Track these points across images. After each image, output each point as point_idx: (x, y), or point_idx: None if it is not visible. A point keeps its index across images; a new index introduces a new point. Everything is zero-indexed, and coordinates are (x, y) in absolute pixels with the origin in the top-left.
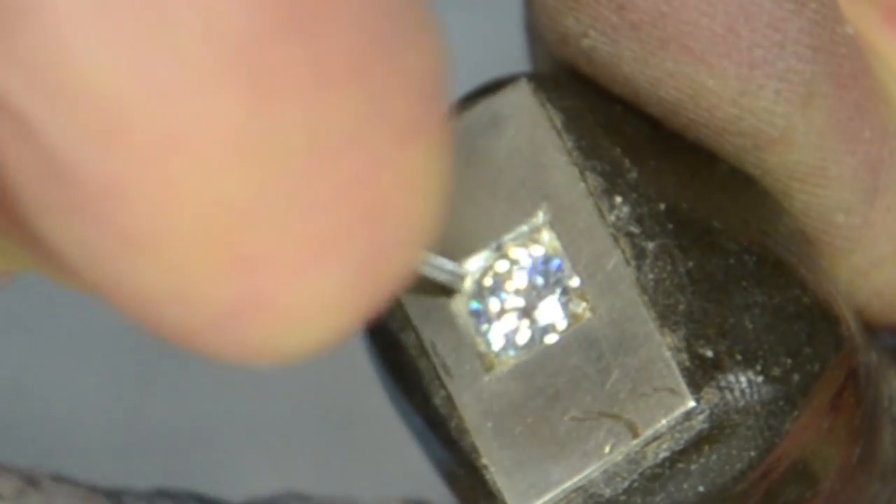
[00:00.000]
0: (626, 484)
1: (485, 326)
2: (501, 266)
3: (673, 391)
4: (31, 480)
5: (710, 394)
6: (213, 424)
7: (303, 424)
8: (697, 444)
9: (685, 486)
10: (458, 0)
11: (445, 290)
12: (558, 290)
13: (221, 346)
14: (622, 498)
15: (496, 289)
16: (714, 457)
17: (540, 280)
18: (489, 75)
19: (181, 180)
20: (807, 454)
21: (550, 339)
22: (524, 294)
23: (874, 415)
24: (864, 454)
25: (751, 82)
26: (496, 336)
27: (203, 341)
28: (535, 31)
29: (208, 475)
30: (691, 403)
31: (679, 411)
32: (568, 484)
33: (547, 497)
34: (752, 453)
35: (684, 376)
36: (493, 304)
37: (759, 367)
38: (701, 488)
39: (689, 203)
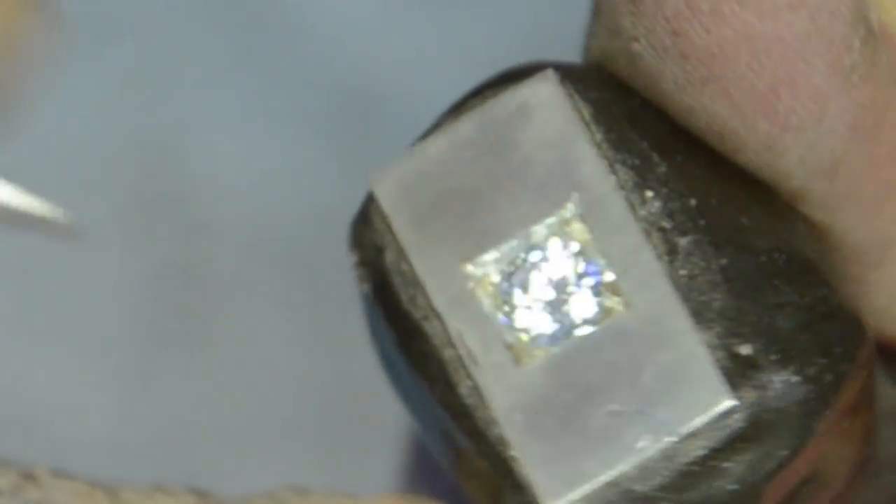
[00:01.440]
0: (660, 480)
1: (514, 318)
2: (533, 256)
3: (711, 389)
4: (29, 475)
5: (748, 393)
6: (213, 424)
7: (303, 424)
8: (733, 442)
9: (719, 483)
10: (457, 1)
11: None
12: (591, 284)
13: None
14: (656, 494)
15: (525, 280)
16: (749, 455)
17: (571, 273)
18: (487, 75)
19: None
20: (828, 453)
21: (582, 332)
22: (555, 286)
23: (876, 413)
24: (870, 453)
25: (779, 142)
26: (526, 328)
27: None
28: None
29: (208, 474)
30: (731, 402)
31: (717, 410)
32: (601, 478)
33: (579, 490)
34: (785, 452)
35: (722, 374)
36: (522, 296)
37: (794, 367)
38: (734, 486)
39: (718, 199)
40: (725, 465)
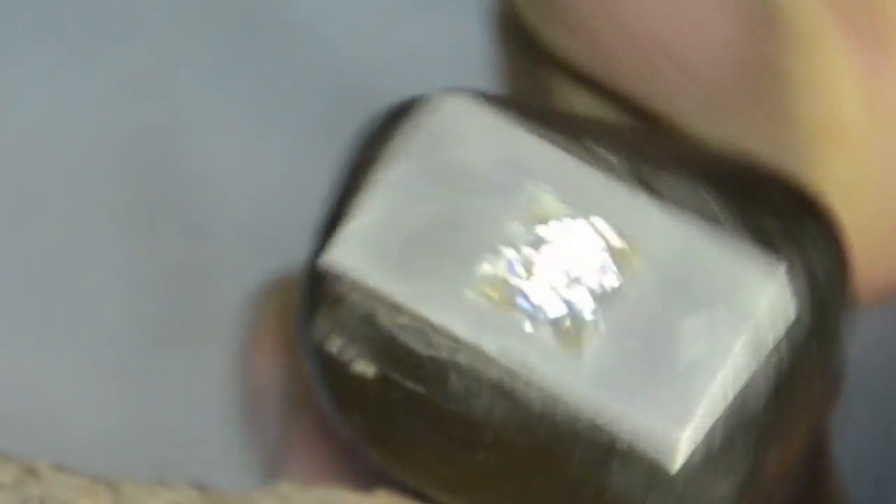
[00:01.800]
0: (763, 385)
1: (541, 314)
2: (526, 250)
3: (762, 265)
4: (30, 470)
5: (788, 255)
6: (212, 422)
7: None
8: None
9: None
10: (457, 1)
11: None
12: (599, 251)
13: None
14: (767, 402)
15: (532, 273)
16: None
17: (573, 250)
18: (487, 74)
19: None
20: None
21: (614, 297)
22: (563, 269)
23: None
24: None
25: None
26: (558, 317)
27: None
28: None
29: (208, 472)
30: (782, 265)
31: (778, 275)
32: (707, 403)
33: (695, 422)
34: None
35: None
36: (537, 291)
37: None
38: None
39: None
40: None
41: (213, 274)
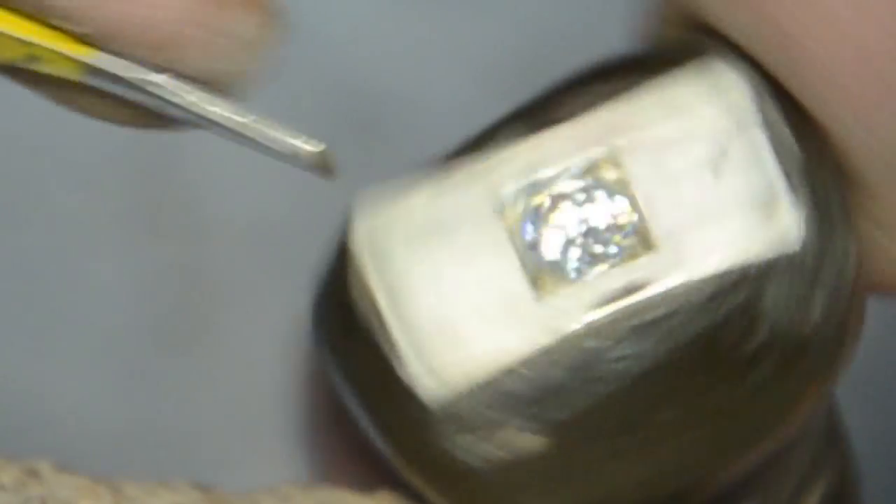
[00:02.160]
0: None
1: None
2: (564, 188)
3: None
4: (32, 471)
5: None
6: (213, 422)
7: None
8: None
9: None
10: (457, 0)
11: (316, 170)
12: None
13: None
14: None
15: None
16: None
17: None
18: (487, 75)
19: None
20: None
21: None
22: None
23: None
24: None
25: None
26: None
27: None
28: None
29: (210, 472)
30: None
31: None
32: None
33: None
34: None
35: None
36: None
37: None
38: None
39: None
40: None
41: (213, 274)
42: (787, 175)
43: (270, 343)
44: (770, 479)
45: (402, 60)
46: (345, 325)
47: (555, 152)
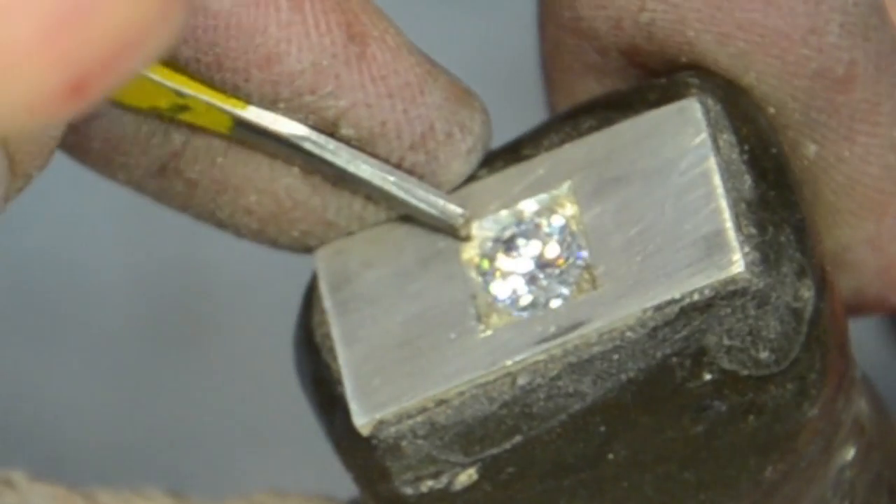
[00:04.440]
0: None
1: (490, 282)
2: (519, 228)
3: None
4: (6, 481)
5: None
6: (212, 423)
7: (302, 424)
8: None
9: None
10: (458, 0)
11: (453, 232)
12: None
13: None
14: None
15: (510, 248)
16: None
17: (553, 249)
18: (489, 75)
19: None
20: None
21: (555, 304)
22: (536, 260)
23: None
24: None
25: (818, 18)
26: (500, 292)
27: None
28: (568, 31)
29: (208, 475)
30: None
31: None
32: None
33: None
34: None
35: None
36: (504, 263)
37: None
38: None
39: None
40: None
41: (213, 274)
42: (736, 211)
43: (270, 343)
44: None
45: None
46: (309, 343)
47: (517, 188)
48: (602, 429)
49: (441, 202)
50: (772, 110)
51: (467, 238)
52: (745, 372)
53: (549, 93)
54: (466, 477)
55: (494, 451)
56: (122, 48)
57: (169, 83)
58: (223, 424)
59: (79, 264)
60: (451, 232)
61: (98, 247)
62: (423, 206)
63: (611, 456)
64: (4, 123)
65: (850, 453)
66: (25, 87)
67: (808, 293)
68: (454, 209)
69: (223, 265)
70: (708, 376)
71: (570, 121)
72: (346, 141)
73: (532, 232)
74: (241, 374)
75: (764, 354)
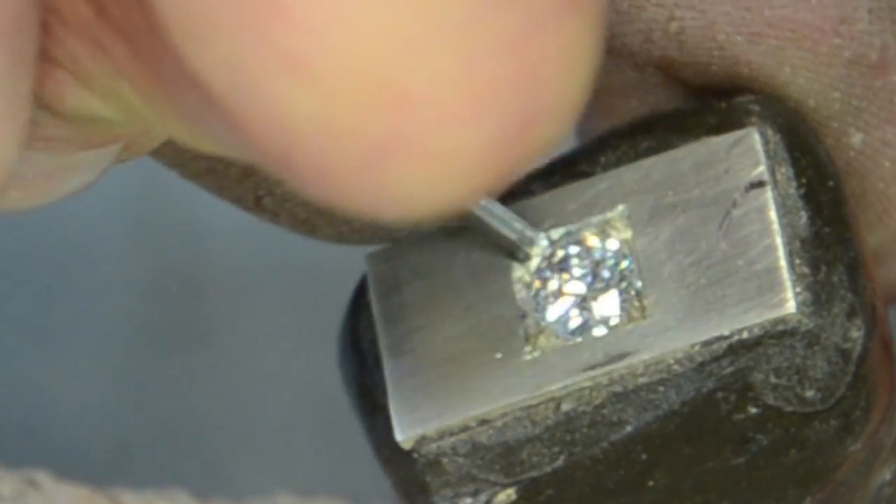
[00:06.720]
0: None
1: (541, 302)
2: (573, 249)
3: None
4: (31, 481)
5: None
6: (214, 424)
7: (303, 424)
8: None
9: None
10: None
11: (514, 253)
12: (621, 287)
13: (359, 187)
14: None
15: (562, 268)
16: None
17: (606, 273)
18: None
19: (348, 2)
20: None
21: (603, 330)
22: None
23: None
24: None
25: (847, 7)
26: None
27: (341, 182)
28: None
29: (208, 475)
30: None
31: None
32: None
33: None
34: None
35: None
36: (553, 284)
37: None
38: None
39: None
40: None
41: (213, 275)
42: (790, 249)
43: (271, 344)
44: None
45: None
46: (355, 347)
47: (572, 207)
48: (643, 457)
49: (520, 226)
50: (812, 103)
51: (526, 259)
52: (790, 408)
53: (589, 115)
54: (505, 497)
55: (535, 473)
56: (535, 155)
57: None
58: (223, 425)
59: (79, 264)
60: (514, 252)
61: (99, 248)
62: (499, 226)
63: (651, 483)
64: (412, 209)
65: (889, 472)
66: (446, 189)
67: (857, 333)
68: (531, 234)
69: (224, 266)
70: (752, 410)
71: (628, 138)
72: None
73: (585, 254)
74: (242, 374)
75: (810, 393)
